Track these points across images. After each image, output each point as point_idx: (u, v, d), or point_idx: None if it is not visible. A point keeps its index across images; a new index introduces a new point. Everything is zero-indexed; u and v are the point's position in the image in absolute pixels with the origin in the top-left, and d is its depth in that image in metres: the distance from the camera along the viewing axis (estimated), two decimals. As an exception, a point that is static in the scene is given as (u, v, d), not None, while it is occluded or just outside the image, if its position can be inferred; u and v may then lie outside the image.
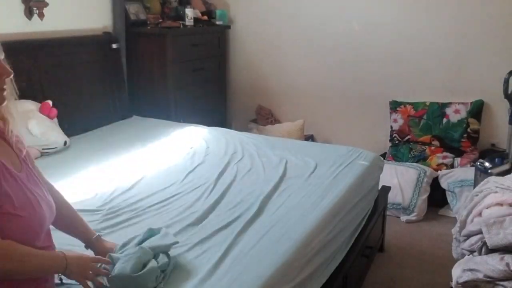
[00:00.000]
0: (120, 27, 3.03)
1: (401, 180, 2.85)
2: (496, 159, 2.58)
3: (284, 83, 3.69)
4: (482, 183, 1.95)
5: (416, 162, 3.06)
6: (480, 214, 1.74)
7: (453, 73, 3.08)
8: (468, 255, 1.68)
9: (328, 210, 1.69)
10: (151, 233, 1.36)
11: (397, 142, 3.27)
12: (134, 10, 3.18)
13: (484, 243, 1.57)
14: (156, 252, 1.27)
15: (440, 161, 3.02)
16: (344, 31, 3.35)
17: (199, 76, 3.42)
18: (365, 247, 2.04)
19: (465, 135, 3.03)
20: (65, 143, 2.35)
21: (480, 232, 1.62)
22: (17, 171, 1.03)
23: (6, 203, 0.94)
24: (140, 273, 1.17)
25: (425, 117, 3.15)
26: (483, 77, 2.99)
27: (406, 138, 3.22)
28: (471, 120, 3.02)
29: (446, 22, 3.03)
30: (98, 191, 1.85)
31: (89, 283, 1.11)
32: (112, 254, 1.23)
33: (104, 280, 1.15)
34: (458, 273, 1.59)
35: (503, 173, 2.30)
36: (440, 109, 3.10)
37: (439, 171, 2.95)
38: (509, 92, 2.65)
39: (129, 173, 2.04)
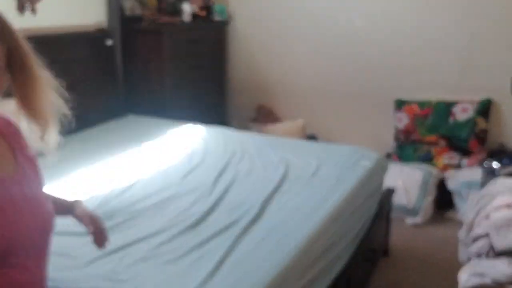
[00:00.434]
0: (115, 23, 3.01)
1: (406, 181, 2.82)
2: (504, 160, 2.56)
3: (285, 81, 3.67)
4: (489, 184, 1.95)
5: (422, 162, 3.03)
6: (487, 217, 1.74)
7: (460, 70, 3.05)
8: (475, 259, 1.66)
9: (330, 213, 1.67)
10: None
11: (402, 142, 3.22)
12: (129, 5, 3.17)
13: (492, 247, 1.59)
14: None
15: (447, 161, 2.99)
16: (347, 27, 3.32)
17: (197, 73, 3.41)
18: (368, 251, 2.02)
19: (472, 135, 3.00)
20: (58, 142, 2.30)
21: (487, 235, 1.63)
22: (5, 173, 0.93)
23: None
24: None
25: (431, 116, 3.11)
26: (491, 75, 2.95)
27: (412, 137, 3.18)
28: (478, 119, 2.99)
29: (452, 18, 3.00)
30: (92, 193, 1.83)
31: None
32: None
33: None
34: (465, 277, 1.61)
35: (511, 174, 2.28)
36: (446, 108, 3.07)
37: (445, 172, 2.92)
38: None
39: (124, 174, 2.02)
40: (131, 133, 2.59)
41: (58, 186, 1.87)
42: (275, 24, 3.58)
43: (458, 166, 2.95)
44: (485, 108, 2.98)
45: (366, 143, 2.97)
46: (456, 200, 2.81)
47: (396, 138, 3.25)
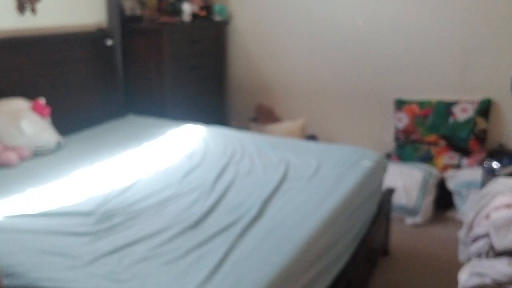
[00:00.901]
0: (115, 23, 3.01)
1: (406, 181, 2.81)
2: (504, 160, 2.55)
3: (285, 80, 3.66)
4: (489, 184, 1.94)
5: (422, 162, 3.02)
6: (487, 217, 1.73)
7: (460, 70, 3.04)
8: (475, 259, 1.66)
9: (330, 213, 1.66)
10: None
11: (402, 142, 3.21)
12: (129, 5, 3.16)
13: (492, 247, 1.57)
14: None
15: (447, 161, 2.98)
16: (347, 27, 3.32)
17: (197, 73, 3.40)
18: (368, 251, 2.01)
19: (472, 135, 2.99)
20: (58, 143, 2.30)
21: (487, 235, 1.62)
22: None
23: None
24: None
25: (431, 116, 3.10)
26: (491, 75, 2.95)
27: (411, 137, 3.17)
28: (478, 119, 2.98)
29: (452, 18, 2.99)
30: (92, 193, 1.82)
31: None
32: None
33: None
34: (465, 277, 1.60)
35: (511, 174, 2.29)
36: (446, 108, 3.06)
37: (445, 172, 2.91)
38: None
39: (124, 174, 2.01)
40: (131, 133, 2.58)
41: (58, 186, 1.87)
42: (275, 24, 3.57)
43: (458, 166, 2.94)
44: (485, 108, 2.97)
45: (366, 143, 2.97)
46: (456, 200, 2.80)
47: (396, 138, 3.24)
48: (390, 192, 2.42)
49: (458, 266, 1.78)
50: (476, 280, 1.50)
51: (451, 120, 3.04)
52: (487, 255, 1.58)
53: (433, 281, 2.22)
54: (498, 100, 2.96)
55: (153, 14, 3.23)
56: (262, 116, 3.69)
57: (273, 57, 3.65)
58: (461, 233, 1.85)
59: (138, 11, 3.20)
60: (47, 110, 2.38)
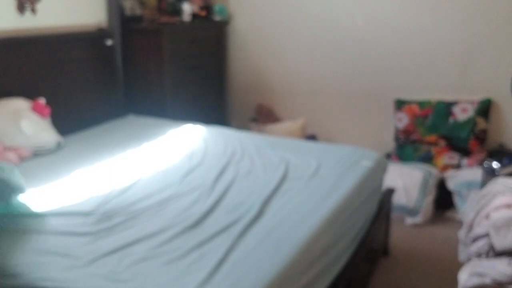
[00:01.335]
0: (115, 23, 3.00)
1: (406, 181, 2.81)
2: (504, 160, 2.54)
3: (285, 80, 3.66)
4: (489, 184, 1.94)
5: (422, 162, 3.02)
6: (487, 217, 1.72)
7: (460, 70, 3.03)
8: (475, 259, 1.66)
9: (330, 213, 1.66)
10: None
11: (402, 142, 3.21)
12: (129, 5, 3.16)
13: (492, 247, 1.57)
14: None
15: (447, 161, 2.98)
16: (347, 27, 3.31)
17: (197, 73, 3.40)
18: (368, 251, 2.00)
19: (472, 135, 2.98)
20: (58, 143, 2.30)
21: (487, 235, 1.62)
22: None
23: None
24: None
25: (431, 116, 3.10)
26: (491, 75, 2.94)
27: (411, 137, 3.17)
28: (478, 119, 2.97)
29: (452, 18, 2.99)
30: (92, 193, 1.82)
31: None
32: None
33: None
34: (465, 277, 1.59)
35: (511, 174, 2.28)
36: (446, 107, 3.05)
37: (445, 172, 2.90)
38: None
39: (124, 174, 2.01)
40: (131, 133, 2.58)
41: (58, 186, 1.86)
42: (275, 24, 3.56)
43: (458, 166, 2.94)
44: (485, 108, 2.97)
45: (366, 143, 2.96)
46: (456, 200, 2.80)
47: (396, 138, 3.24)
48: (390, 192, 2.42)
49: (458, 266, 1.77)
50: (476, 280, 1.50)
51: (451, 120, 3.04)
52: (487, 255, 1.57)
53: (433, 281, 2.21)
54: (498, 100, 2.95)
55: (153, 14, 3.22)
56: (262, 116, 3.69)
57: (273, 57, 3.65)
58: (461, 233, 1.84)
59: (138, 11, 3.20)
60: (47, 110, 2.38)
